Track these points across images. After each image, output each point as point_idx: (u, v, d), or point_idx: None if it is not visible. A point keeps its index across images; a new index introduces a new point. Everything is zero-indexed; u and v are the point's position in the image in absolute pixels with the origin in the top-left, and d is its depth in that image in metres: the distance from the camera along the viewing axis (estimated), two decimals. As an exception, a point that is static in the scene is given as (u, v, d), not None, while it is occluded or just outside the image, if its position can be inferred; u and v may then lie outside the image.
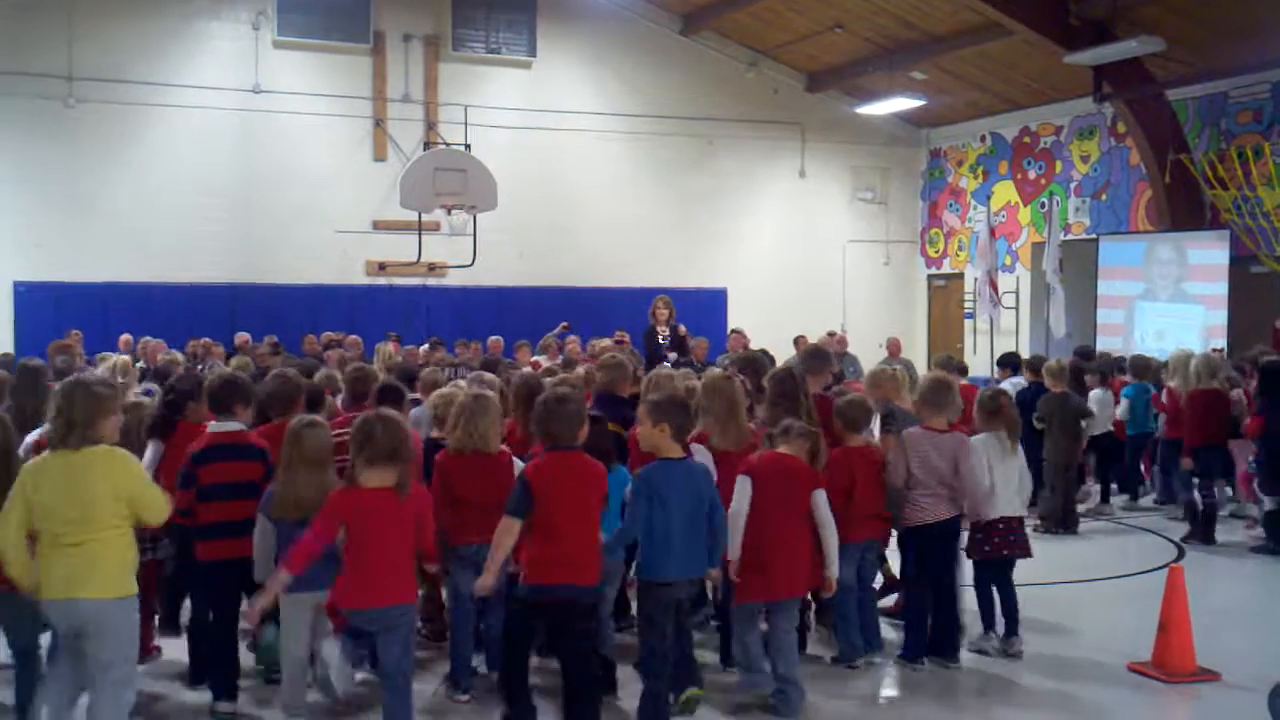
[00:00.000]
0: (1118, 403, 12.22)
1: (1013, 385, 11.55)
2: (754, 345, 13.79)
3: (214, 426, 6.06)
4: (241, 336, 15.82)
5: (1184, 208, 17.65)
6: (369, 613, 5.04)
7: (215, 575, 5.87)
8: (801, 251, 22.22)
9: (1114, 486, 12.51)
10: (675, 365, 12.11)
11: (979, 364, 19.23)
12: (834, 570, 6.09)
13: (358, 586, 5.02)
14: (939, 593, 6.85)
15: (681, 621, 5.74)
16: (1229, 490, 11.84)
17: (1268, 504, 10.29)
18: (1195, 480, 10.60)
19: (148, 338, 14.61)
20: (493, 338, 16.04)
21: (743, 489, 5.89)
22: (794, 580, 6.04)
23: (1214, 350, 13.89)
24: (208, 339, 15.05)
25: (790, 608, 6.15)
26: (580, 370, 9.35)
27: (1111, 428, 12.22)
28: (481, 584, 5.38)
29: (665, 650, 5.54)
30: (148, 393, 7.17)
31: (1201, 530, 10.47)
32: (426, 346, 15.28)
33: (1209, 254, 17.04)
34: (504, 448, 6.29)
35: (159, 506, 4.92)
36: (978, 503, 6.85)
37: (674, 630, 5.61)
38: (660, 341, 14.47)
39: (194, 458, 5.90)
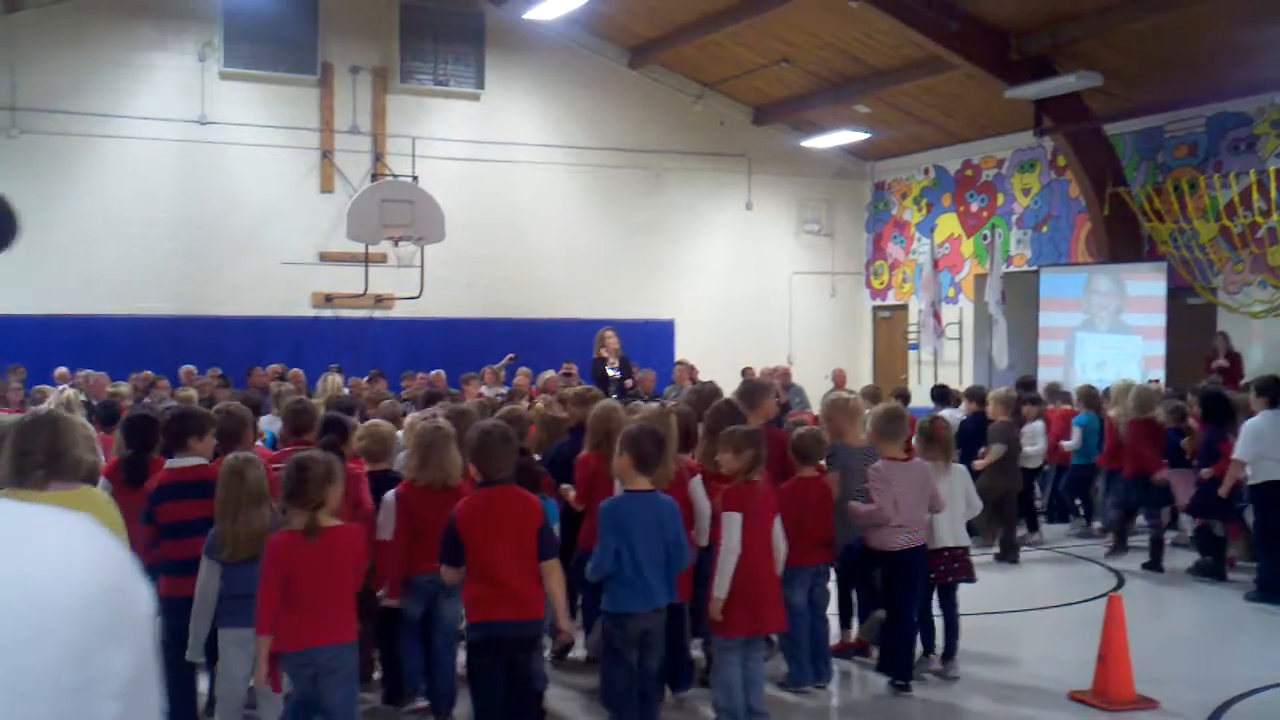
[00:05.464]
0: (1050, 433, 12.37)
1: (949, 416, 11.68)
2: (701, 377, 13.87)
3: (171, 462, 6.00)
4: (187, 369, 15.66)
5: (1122, 240, 17.97)
6: (303, 654, 5.02)
7: (176, 610, 5.72)
8: (748, 283, 22.35)
9: (1041, 517, 12.75)
10: (622, 398, 12.14)
11: (924, 395, 19.39)
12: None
13: (289, 628, 5.01)
14: (902, 619, 6.96)
15: (648, 655, 5.69)
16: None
17: (1189, 526, 10.51)
18: (1125, 509, 10.80)
19: (88, 371, 14.40)
20: (434, 371, 15.94)
21: (733, 526, 5.88)
22: (778, 611, 6.14)
23: (1151, 381, 14.14)
24: (149, 372, 14.87)
25: (762, 640, 6.23)
26: (539, 404, 9.41)
27: (1045, 459, 12.40)
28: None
29: (629, 683, 5.53)
30: None
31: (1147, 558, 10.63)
32: (367, 379, 15.20)
33: (1147, 285, 17.34)
34: (463, 481, 6.32)
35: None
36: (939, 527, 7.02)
37: (640, 663, 5.60)
38: (609, 373, 14.49)
39: (150, 497, 5.84)
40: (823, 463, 7.29)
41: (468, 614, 5.26)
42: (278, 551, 5.04)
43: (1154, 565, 10.54)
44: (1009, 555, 10.91)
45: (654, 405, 8.23)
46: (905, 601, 6.92)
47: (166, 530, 5.78)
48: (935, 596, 7.30)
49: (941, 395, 12.91)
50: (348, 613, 5.07)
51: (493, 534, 5.14)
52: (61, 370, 15.09)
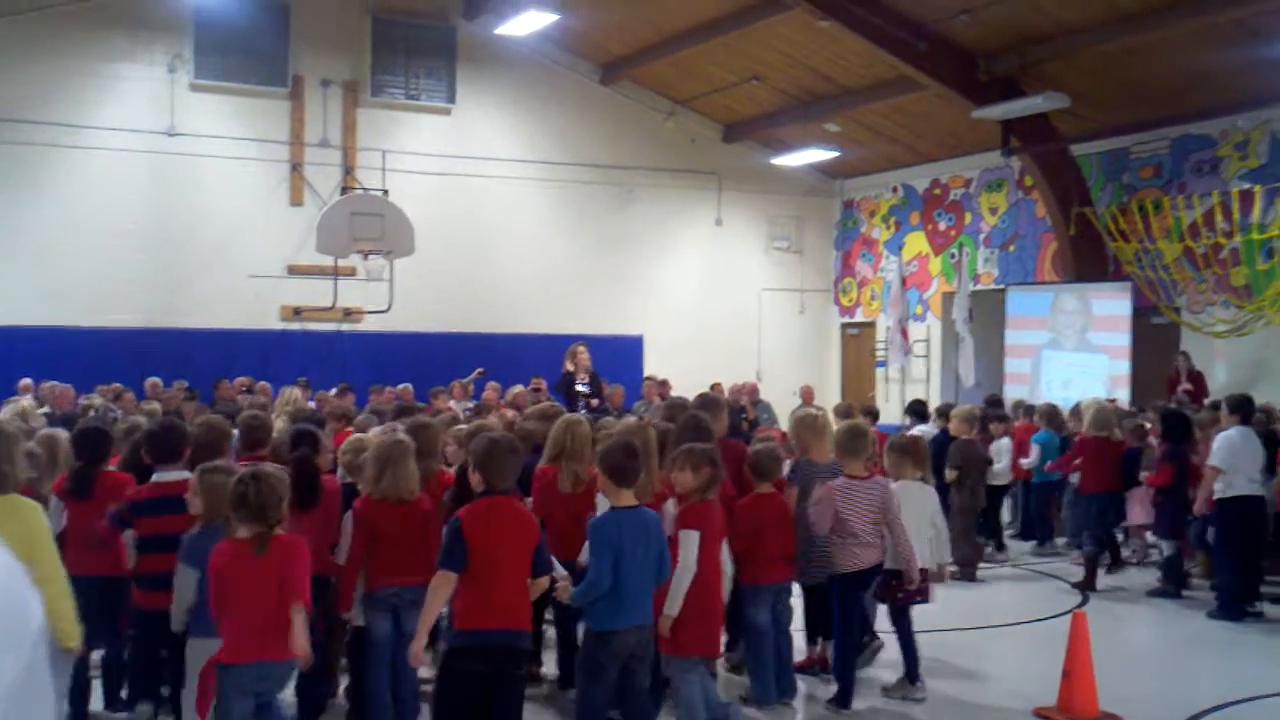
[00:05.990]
0: (1018, 450, 12.48)
1: (922, 432, 11.76)
2: (671, 393, 13.89)
3: (158, 476, 6.00)
4: (153, 381, 15.54)
5: (1088, 259, 18.13)
6: (251, 668, 4.97)
7: (151, 622, 5.74)
8: (718, 299, 22.40)
9: (1007, 534, 12.83)
10: (592, 413, 12.14)
11: (891, 412, 19.49)
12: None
13: (231, 642, 4.98)
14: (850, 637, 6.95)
15: (638, 672, 5.62)
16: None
17: (1166, 549, 10.56)
18: (1097, 541, 10.86)
19: (53, 382, 14.26)
20: (401, 385, 15.79)
21: (691, 544, 5.83)
22: (720, 633, 6.17)
23: (1109, 400, 14.27)
24: (118, 384, 14.73)
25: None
26: (509, 415, 9.39)
27: (1011, 477, 12.48)
28: (414, 653, 5.28)
29: (605, 703, 5.49)
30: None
31: (1088, 577, 10.68)
32: (335, 392, 15.11)
33: (1112, 305, 17.50)
34: (422, 494, 6.30)
35: (58, 580, 4.58)
36: (907, 548, 6.96)
37: (630, 681, 5.54)
38: (578, 389, 14.49)
39: (133, 506, 5.83)
40: (785, 478, 7.29)
41: (455, 621, 5.14)
42: (219, 560, 5.00)
43: (1089, 584, 10.61)
44: (965, 574, 10.92)
45: (630, 419, 8.18)
46: (853, 618, 6.92)
47: (144, 543, 5.75)
48: (890, 617, 7.28)
49: (918, 411, 12.96)
50: (292, 626, 4.97)
51: (495, 543, 5.08)
52: (25, 382, 14.93)
